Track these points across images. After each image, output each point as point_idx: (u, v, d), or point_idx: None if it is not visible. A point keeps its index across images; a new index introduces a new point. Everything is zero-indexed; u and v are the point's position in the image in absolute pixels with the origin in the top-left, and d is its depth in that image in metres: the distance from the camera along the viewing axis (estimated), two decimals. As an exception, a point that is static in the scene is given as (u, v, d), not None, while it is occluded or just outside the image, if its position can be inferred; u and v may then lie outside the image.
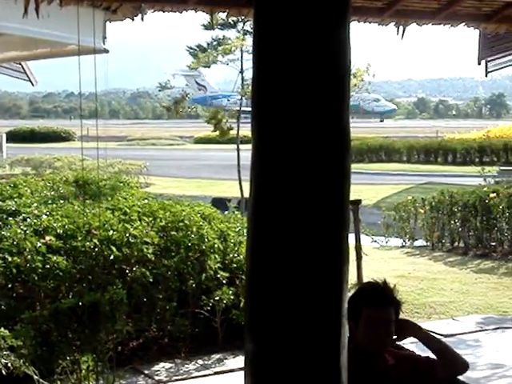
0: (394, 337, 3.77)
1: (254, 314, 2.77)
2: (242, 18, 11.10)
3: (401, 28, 6.93)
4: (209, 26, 15.42)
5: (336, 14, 2.71)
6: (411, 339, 3.77)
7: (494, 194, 12.96)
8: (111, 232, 6.99)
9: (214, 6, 5.90)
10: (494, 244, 12.92)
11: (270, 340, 2.69)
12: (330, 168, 2.74)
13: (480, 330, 8.39)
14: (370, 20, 6.90)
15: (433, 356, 3.79)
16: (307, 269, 2.70)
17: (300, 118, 2.65)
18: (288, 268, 2.69)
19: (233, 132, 15.87)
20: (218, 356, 7.37)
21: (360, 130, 55.60)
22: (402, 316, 8.83)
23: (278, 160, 2.68)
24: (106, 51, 7.56)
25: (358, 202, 9.78)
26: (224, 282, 7.45)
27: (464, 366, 3.80)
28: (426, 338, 3.84)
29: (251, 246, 2.78)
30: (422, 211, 14.11)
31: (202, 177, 31.16)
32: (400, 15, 6.82)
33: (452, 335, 8.17)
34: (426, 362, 3.80)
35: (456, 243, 13.44)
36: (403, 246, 14.08)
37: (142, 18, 5.37)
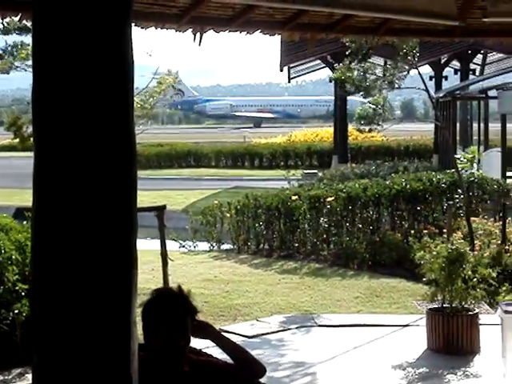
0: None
1: (38, 322, 2.68)
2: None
3: (198, 35, 7.03)
4: (5, 31, 14.90)
5: (116, 19, 2.68)
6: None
7: (296, 197, 13.38)
8: None
9: (4, 9, 5.72)
10: (297, 245, 13.32)
11: (55, 349, 2.61)
12: (116, 175, 2.72)
13: (283, 330, 8.62)
14: (167, 26, 6.93)
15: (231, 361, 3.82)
16: (94, 275, 2.66)
17: (81, 124, 2.61)
18: (74, 275, 2.63)
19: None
20: (18, 370, 7.13)
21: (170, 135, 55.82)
22: (207, 320, 8.91)
23: (59, 167, 2.62)
24: None
25: (162, 208, 9.75)
26: (23, 294, 7.21)
27: (262, 370, 3.84)
28: (222, 341, 3.86)
29: (34, 256, 2.70)
30: (228, 215, 14.35)
31: (3, 186, 29.85)
32: (196, 22, 6.88)
33: (256, 336, 8.35)
34: (224, 366, 3.80)
35: (261, 245, 13.76)
36: (211, 250, 14.25)
37: None
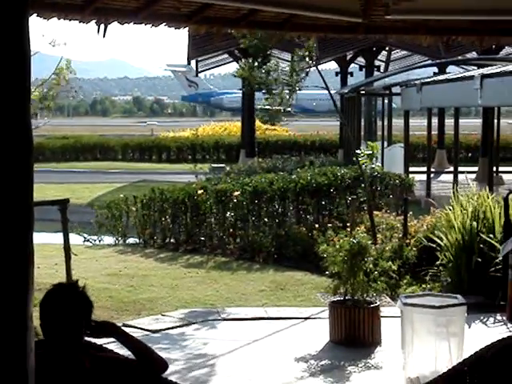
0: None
1: None
2: None
3: (102, 26, 6.94)
4: None
5: (13, 9, 2.62)
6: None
7: (203, 191, 13.38)
8: None
9: None
10: (203, 239, 13.32)
11: None
12: (10, 167, 2.66)
13: (187, 324, 8.60)
14: (70, 17, 6.82)
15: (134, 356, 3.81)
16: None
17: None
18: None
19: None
20: None
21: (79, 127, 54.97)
22: (111, 314, 8.78)
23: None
24: None
25: (65, 202, 9.59)
26: None
27: (163, 365, 3.85)
28: (124, 338, 3.84)
29: None
30: (134, 209, 14.24)
31: None
32: (100, 13, 6.80)
33: (160, 330, 8.31)
34: (125, 362, 3.79)
35: (167, 240, 13.70)
36: (116, 245, 14.11)
37: None
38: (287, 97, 13.26)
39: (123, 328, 4.05)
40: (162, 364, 3.84)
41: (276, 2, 7.08)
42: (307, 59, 12.43)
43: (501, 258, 8.42)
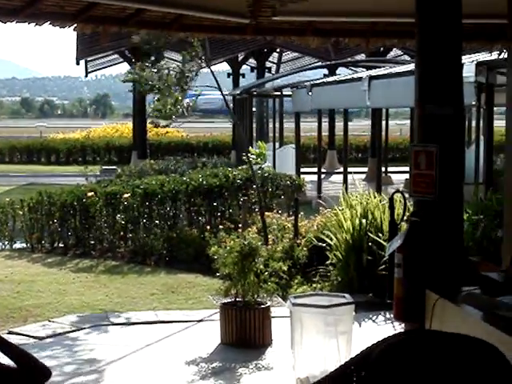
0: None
1: None
2: None
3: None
4: None
5: None
6: None
7: (92, 193, 13.12)
8: None
9: None
10: (93, 243, 13.06)
11: None
12: None
13: (76, 330, 8.41)
14: None
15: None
16: None
17: None
18: None
19: None
20: None
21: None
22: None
23: None
24: None
25: None
26: None
27: (46, 373, 3.72)
28: (4, 347, 3.69)
29: None
30: (21, 213, 13.85)
31: None
32: (-20, 11, 6.57)
33: (48, 337, 8.08)
34: (6, 370, 3.65)
35: (56, 244, 13.37)
36: (2, 250, 13.67)
37: None
38: (179, 98, 13.18)
39: (7, 335, 3.90)
40: (44, 371, 3.72)
41: (162, 1, 7.00)
42: (197, 60, 12.38)
43: (387, 257, 8.57)
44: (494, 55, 9.84)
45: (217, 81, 12.81)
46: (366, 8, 7.62)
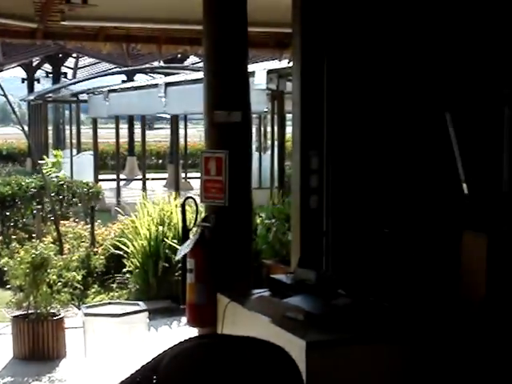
0: None
1: None
2: None
3: None
4: None
5: None
6: None
7: None
8: None
9: None
10: None
11: None
12: None
13: None
14: None
15: None
16: None
17: None
18: None
19: None
20: None
21: None
22: None
23: None
24: None
25: None
26: None
27: None
28: None
29: None
30: None
31: None
32: None
33: None
34: None
35: None
36: None
37: None
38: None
39: None
40: None
41: None
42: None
43: (180, 263, 8.61)
44: (285, 63, 10.14)
45: (1, 86, 12.40)
46: (158, 15, 7.64)
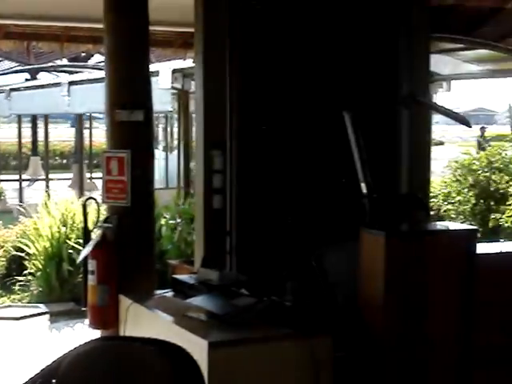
0: None
1: None
2: None
3: None
4: None
5: None
6: None
7: None
8: None
9: None
10: None
11: None
12: None
13: None
14: None
15: None
16: None
17: None
18: None
19: None
20: None
21: None
22: None
23: None
24: None
25: None
26: None
27: None
28: None
29: None
30: None
31: None
32: None
33: None
34: None
35: None
36: None
37: None
38: None
39: None
40: None
41: None
42: None
43: (82, 264, 8.50)
44: (190, 62, 10.11)
45: None
46: (59, 13, 7.50)
